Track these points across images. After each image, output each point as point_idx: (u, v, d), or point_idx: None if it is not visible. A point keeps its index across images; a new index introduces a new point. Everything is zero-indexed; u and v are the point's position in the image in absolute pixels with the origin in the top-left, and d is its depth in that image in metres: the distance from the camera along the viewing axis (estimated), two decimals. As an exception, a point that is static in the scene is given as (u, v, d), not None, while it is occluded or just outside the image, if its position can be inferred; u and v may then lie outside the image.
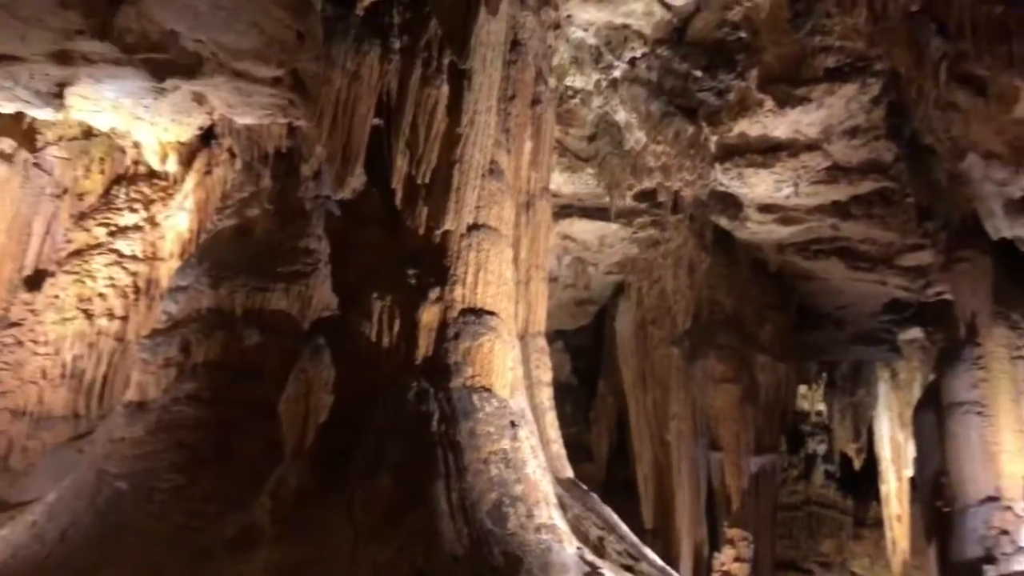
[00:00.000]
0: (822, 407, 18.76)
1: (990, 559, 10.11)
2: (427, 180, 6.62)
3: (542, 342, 8.13)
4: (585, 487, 8.20)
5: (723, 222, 12.25)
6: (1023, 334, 10.85)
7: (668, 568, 8.16)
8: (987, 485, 10.63)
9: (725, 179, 10.99)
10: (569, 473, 8.03)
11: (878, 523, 17.07)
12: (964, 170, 9.32)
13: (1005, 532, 10.16)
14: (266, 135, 7.61)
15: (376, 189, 6.92)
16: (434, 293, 6.36)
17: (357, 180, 6.87)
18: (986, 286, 10.94)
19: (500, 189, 6.92)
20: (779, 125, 9.91)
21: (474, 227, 6.66)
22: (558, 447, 7.96)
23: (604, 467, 15.70)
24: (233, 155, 7.89)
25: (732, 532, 12.26)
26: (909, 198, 10.81)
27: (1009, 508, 10.20)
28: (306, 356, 6.27)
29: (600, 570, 5.75)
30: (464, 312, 6.42)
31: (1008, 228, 9.96)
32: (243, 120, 7.57)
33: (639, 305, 14.03)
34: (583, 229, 12.45)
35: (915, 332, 14.67)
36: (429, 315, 6.32)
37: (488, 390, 6.27)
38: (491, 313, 6.51)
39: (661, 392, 13.68)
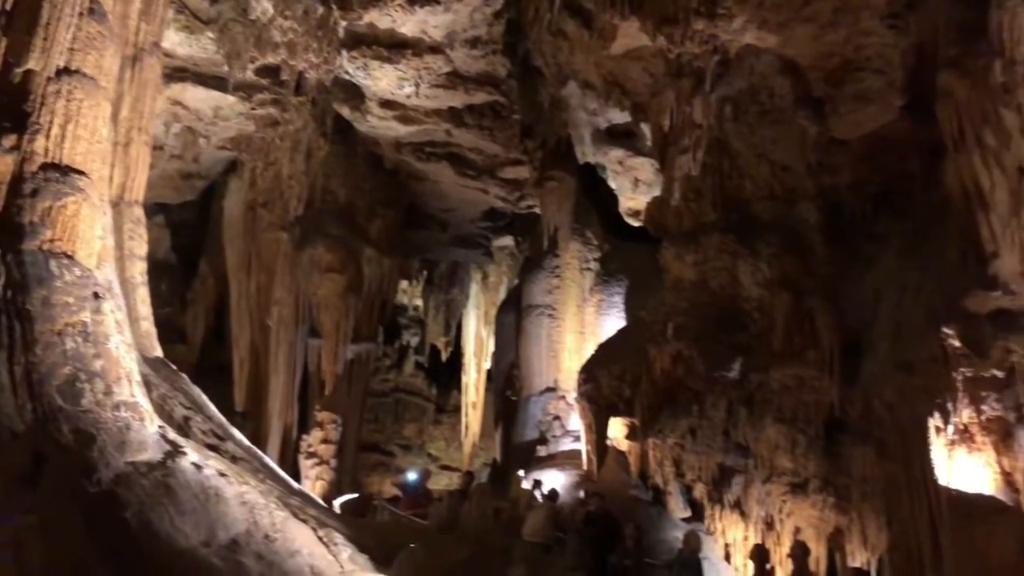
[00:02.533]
0: (419, 302, 19.97)
1: (543, 440, 11.71)
2: (9, 7, 5.66)
3: (139, 212, 7.54)
4: (175, 367, 7.91)
5: (345, 112, 12.23)
6: (593, 249, 12.51)
7: (255, 448, 8.25)
8: (548, 377, 12.25)
9: (351, 68, 10.92)
10: (158, 352, 7.66)
11: (457, 410, 18.79)
12: (564, 96, 10.28)
13: (557, 418, 11.81)
14: None
15: (-62, 7, 5.77)
16: (9, 140, 5.54)
17: (-89, -8, 5.68)
18: (569, 204, 12.39)
19: (101, 34, 6.13)
20: (407, 22, 10.03)
21: (66, 72, 5.84)
22: (148, 325, 7.52)
23: (198, 349, 15.21)
24: None
25: (322, 415, 12.72)
26: (516, 115, 11.68)
27: (563, 398, 11.86)
28: None
29: (182, 449, 5.60)
30: (46, 167, 5.66)
31: (592, 155, 11.24)
32: None
33: (251, 186, 13.59)
34: (197, 97, 11.61)
35: (507, 240, 16.15)
36: (1, 165, 5.50)
37: (70, 257, 5.65)
38: (80, 172, 5.83)
39: (266, 277, 13.51)
